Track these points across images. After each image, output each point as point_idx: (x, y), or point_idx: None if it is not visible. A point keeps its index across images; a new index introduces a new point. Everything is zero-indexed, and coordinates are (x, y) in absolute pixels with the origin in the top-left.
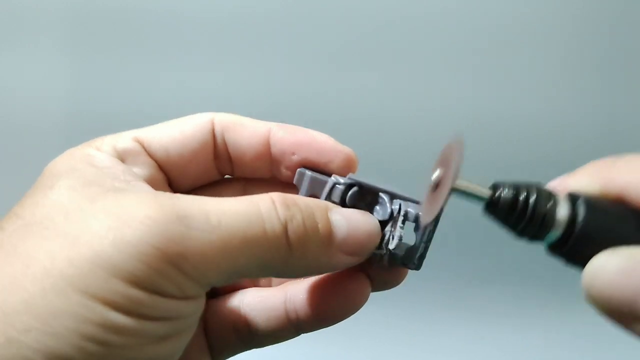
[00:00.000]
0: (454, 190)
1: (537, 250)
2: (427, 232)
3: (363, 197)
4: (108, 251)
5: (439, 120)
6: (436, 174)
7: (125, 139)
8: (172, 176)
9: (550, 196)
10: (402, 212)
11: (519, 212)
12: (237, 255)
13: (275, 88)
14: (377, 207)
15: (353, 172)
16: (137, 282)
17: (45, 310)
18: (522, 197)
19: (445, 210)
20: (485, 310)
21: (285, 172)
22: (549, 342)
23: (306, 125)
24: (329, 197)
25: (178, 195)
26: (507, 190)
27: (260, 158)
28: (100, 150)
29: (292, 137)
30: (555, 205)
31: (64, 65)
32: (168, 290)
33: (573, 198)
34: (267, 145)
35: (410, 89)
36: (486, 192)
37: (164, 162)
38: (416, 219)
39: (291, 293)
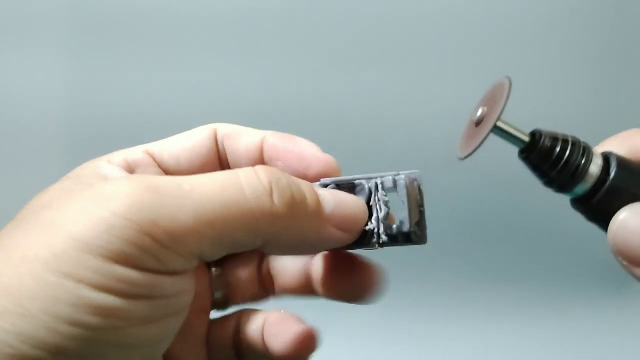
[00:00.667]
0: (497, 128)
1: (537, 251)
2: (412, 196)
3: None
4: (80, 229)
5: (438, 119)
6: (480, 111)
7: (136, 152)
8: None
9: (585, 150)
10: (379, 183)
11: (554, 160)
12: (217, 220)
13: (275, 87)
14: (358, 195)
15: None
16: (112, 256)
17: (21, 293)
18: (559, 146)
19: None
20: (486, 310)
21: None
22: (549, 342)
23: (303, 124)
24: None
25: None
26: (546, 137)
27: (254, 165)
28: (111, 163)
29: (280, 145)
30: (589, 159)
31: (63, 65)
32: (147, 264)
33: (606, 156)
34: (262, 152)
35: (410, 88)
36: (526, 136)
37: (174, 171)
38: (394, 183)
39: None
